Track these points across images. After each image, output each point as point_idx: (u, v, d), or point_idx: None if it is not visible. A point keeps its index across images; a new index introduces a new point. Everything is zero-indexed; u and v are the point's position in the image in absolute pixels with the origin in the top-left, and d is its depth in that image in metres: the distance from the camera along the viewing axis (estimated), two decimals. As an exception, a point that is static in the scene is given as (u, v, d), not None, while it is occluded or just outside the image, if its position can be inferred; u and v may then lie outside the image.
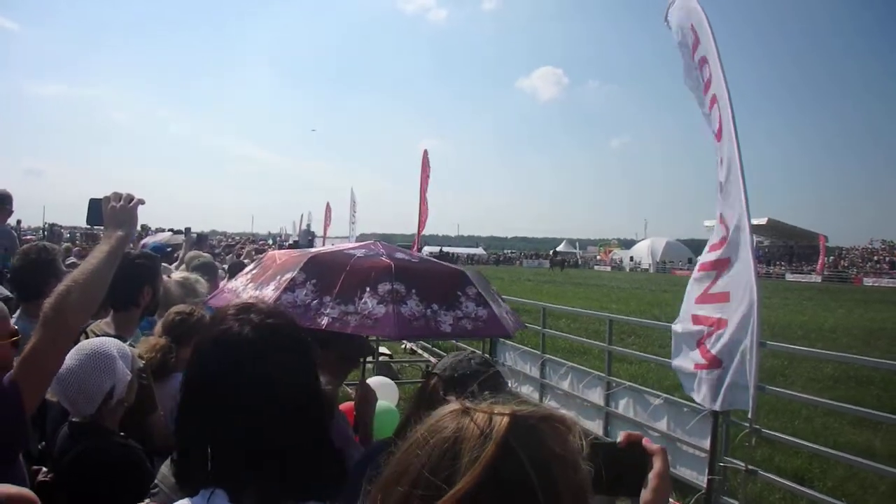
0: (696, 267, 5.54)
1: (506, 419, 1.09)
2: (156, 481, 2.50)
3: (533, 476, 1.04)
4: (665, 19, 6.27)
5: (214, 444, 1.71)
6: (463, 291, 3.95)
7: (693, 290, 5.49)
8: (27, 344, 2.54)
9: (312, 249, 4.44)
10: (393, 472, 1.12)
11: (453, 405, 1.16)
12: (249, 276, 4.22)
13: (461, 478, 1.02)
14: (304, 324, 3.52)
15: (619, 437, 1.39)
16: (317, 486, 1.80)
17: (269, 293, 3.66)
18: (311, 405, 1.85)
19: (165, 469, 2.46)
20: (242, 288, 4.05)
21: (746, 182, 4.95)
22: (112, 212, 2.92)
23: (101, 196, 3.02)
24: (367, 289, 3.65)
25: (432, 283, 3.90)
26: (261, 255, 5.76)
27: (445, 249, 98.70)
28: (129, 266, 4.27)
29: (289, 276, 3.71)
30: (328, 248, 4.47)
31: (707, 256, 5.37)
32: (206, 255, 8.86)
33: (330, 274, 3.73)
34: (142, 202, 3.02)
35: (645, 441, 1.39)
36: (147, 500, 2.34)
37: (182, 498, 1.73)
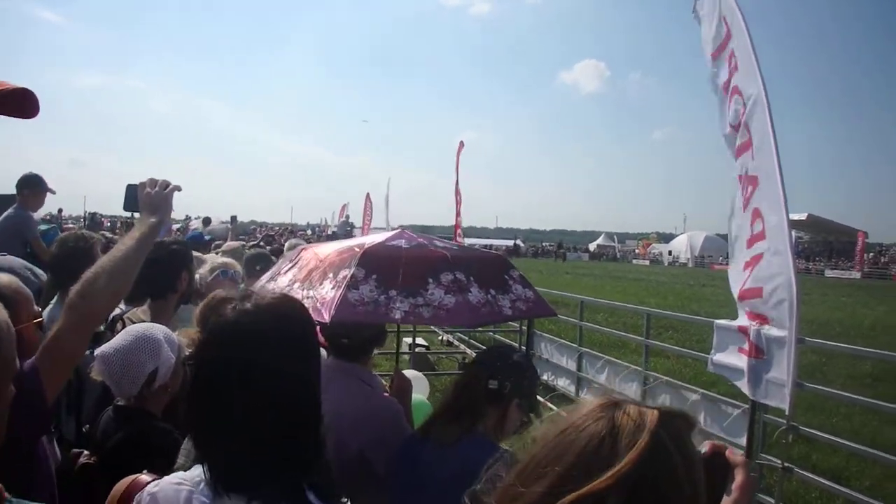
0: (741, 264, 5.48)
1: (656, 413, 1.23)
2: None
3: (679, 465, 1.19)
4: (693, 10, 6.25)
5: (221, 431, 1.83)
6: (509, 275, 4.05)
7: (734, 285, 5.47)
8: (51, 329, 2.54)
9: (351, 241, 4.44)
10: (545, 455, 1.22)
11: (601, 398, 1.29)
12: (290, 275, 4.18)
13: (619, 461, 1.14)
14: (377, 320, 3.59)
15: (704, 446, 1.44)
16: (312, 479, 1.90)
17: (328, 292, 3.62)
18: (307, 396, 1.93)
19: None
20: (288, 289, 4.02)
21: (784, 178, 4.93)
22: (147, 198, 2.91)
23: (138, 182, 3.01)
24: (430, 279, 3.67)
25: (484, 269, 3.97)
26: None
27: (515, 242, 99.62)
28: (166, 253, 4.37)
29: (346, 272, 3.65)
30: (366, 240, 4.47)
31: (748, 252, 5.35)
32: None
33: (388, 267, 3.72)
34: (178, 189, 3.02)
35: (728, 452, 1.45)
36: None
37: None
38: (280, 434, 1.81)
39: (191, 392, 1.94)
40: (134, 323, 3.93)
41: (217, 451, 1.83)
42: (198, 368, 1.94)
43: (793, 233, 5.03)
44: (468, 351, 13.82)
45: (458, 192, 19.20)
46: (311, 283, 3.86)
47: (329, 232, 36.87)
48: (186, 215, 27.81)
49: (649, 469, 1.15)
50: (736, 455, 1.45)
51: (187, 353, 3.58)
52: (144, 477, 2.27)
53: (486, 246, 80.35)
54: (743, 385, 5.32)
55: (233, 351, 1.85)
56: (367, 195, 39.29)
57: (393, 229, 5.23)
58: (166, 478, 2.00)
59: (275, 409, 1.81)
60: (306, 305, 3.82)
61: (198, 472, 1.90)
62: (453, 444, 3.00)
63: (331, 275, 3.77)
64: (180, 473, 2.00)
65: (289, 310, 2.01)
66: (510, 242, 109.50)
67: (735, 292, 5.43)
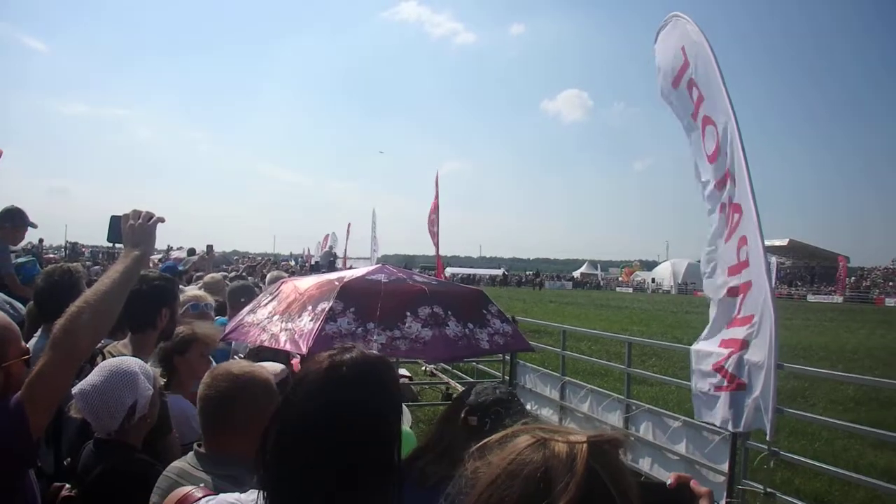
0: (724, 291, 5.50)
1: (585, 446, 1.19)
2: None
3: (614, 492, 1.15)
4: (655, 43, 6.28)
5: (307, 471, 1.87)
6: (487, 309, 4.10)
7: (722, 315, 5.49)
8: (36, 364, 2.50)
9: (331, 275, 4.47)
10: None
11: (527, 438, 1.25)
12: (270, 308, 4.18)
13: (558, 502, 1.12)
14: None
15: (669, 478, 1.43)
16: None
17: (307, 324, 3.64)
18: (391, 438, 2.00)
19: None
20: (268, 321, 4.03)
21: (758, 204, 4.96)
22: (130, 230, 2.89)
23: (122, 213, 2.99)
24: (408, 313, 3.74)
25: (462, 303, 4.03)
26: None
27: (468, 271, 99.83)
28: (147, 288, 4.30)
29: (324, 305, 3.70)
30: (346, 274, 4.51)
31: (732, 280, 5.37)
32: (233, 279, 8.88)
33: (366, 301, 3.77)
34: (161, 220, 2.99)
35: (693, 483, 1.43)
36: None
37: None
38: (356, 473, 1.88)
39: (278, 428, 1.96)
40: (114, 356, 3.90)
41: (291, 484, 1.88)
42: (288, 409, 1.97)
43: (773, 258, 5.07)
44: (451, 381, 13.78)
45: (434, 223, 19.22)
46: (291, 315, 3.87)
47: (312, 262, 36.73)
48: (168, 245, 27.68)
49: None
50: (700, 486, 1.43)
51: (162, 384, 3.58)
52: (196, 492, 2.28)
53: (469, 275, 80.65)
54: (720, 419, 5.30)
55: (327, 394, 1.92)
56: (349, 226, 39.35)
57: (377, 260, 5.26)
58: (223, 495, 2.13)
59: (356, 452, 1.88)
60: (284, 338, 3.86)
61: (253, 496, 1.99)
62: (433, 486, 2.92)
63: (310, 307, 3.79)
64: (236, 494, 2.09)
65: (381, 365, 2.06)
66: (496, 271, 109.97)
67: (725, 320, 5.45)
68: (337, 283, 3.91)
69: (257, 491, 1.96)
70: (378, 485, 1.94)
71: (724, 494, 6.35)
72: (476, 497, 1.22)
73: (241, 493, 2.11)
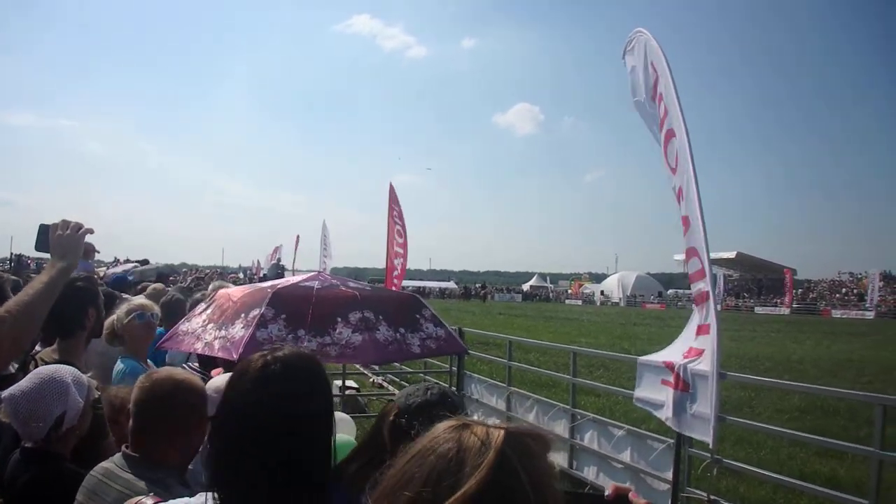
0: (693, 299, 5.55)
1: (502, 432, 1.21)
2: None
3: (526, 482, 1.15)
4: (623, 57, 6.35)
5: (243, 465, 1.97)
6: (420, 314, 4.18)
7: (692, 323, 5.53)
8: None
9: (265, 284, 4.47)
10: (398, 480, 1.21)
11: (450, 422, 1.27)
12: (205, 316, 4.19)
13: (466, 482, 1.13)
14: None
15: (608, 489, 1.41)
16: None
17: (238, 331, 3.68)
18: (324, 430, 2.14)
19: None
20: (202, 329, 4.03)
21: (705, 217, 5.00)
22: (58, 240, 2.84)
23: (51, 223, 2.94)
24: (339, 319, 3.79)
25: (395, 308, 4.12)
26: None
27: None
28: (71, 291, 4.25)
29: (256, 312, 3.74)
30: (280, 281, 4.52)
31: (695, 287, 5.39)
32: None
33: (297, 307, 3.81)
34: (90, 231, 2.96)
35: (632, 495, 1.41)
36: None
37: None
38: (294, 469, 1.97)
39: (218, 427, 2.08)
40: (46, 363, 3.85)
41: (236, 481, 1.96)
42: (227, 408, 2.06)
43: (717, 270, 5.12)
44: (398, 393, 13.70)
45: (391, 239, 19.21)
46: (224, 323, 3.89)
47: (261, 274, 36.52)
48: (115, 258, 27.37)
49: (495, 488, 1.13)
50: (639, 498, 1.42)
51: (97, 395, 3.50)
52: (147, 500, 2.31)
53: (419, 288, 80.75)
54: (667, 416, 5.34)
55: (261, 390, 2.03)
56: (297, 237, 39.16)
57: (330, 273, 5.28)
58: (172, 501, 2.16)
59: (292, 444, 1.99)
60: (217, 345, 3.84)
61: (201, 500, 2.05)
62: (361, 489, 2.78)
63: (242, 315, 3.82)
64: (185, 499, 2.14)
65: (309, 361, 2.19)
66: (446, 284, 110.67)
67: (694, 326, 5.49)
68: (269, 291, 3.96)
69: (205, 494, 2.02)
70: (314, 476, 2.03)
71: (669, 502, 6.35)
72: (391, 476, 1.23)
73: (189, 496, 2.15)
